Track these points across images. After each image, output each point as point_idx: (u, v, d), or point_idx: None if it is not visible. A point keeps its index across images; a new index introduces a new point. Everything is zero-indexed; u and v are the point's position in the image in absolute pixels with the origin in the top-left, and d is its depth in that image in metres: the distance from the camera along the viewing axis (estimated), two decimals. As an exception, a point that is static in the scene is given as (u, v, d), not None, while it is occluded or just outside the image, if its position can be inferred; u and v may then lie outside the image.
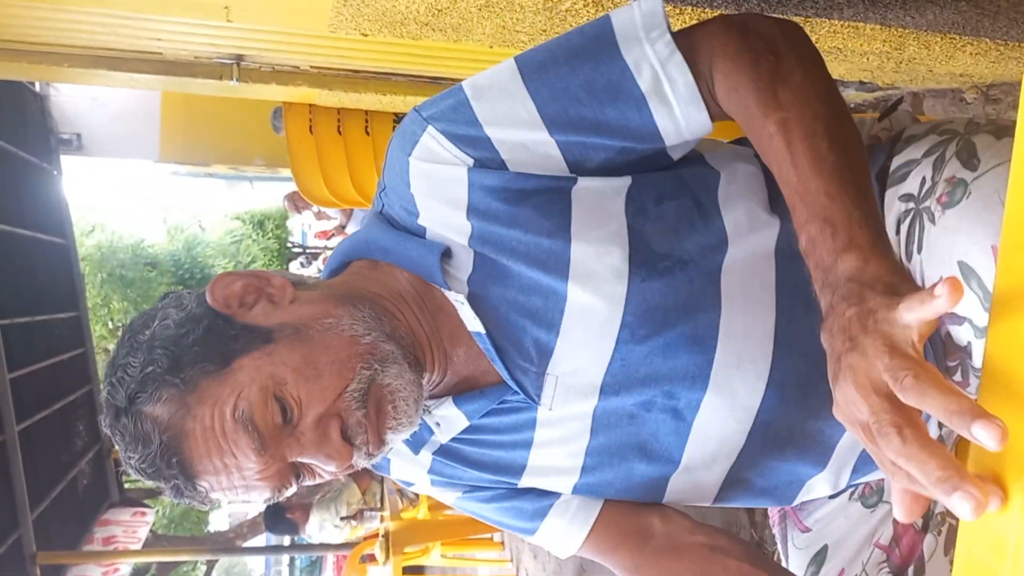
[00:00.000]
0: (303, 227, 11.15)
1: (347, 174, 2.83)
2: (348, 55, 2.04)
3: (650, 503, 0.86)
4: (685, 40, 0.72)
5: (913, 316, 0.49)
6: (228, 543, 7.76)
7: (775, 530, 1.00)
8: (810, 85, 0.67)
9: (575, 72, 0.72)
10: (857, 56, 1.65)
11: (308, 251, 11.24)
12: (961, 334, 0.71)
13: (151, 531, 6.71)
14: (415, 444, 0.87)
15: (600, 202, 0.75)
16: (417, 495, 4.06)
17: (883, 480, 0.89)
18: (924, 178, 0.72)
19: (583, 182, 0.75)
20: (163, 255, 10.71)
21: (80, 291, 6.06)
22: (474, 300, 0.77)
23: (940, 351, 0.76)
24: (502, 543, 4.68)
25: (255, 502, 0.77)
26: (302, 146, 2.77)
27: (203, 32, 1.86)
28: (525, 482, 0.87)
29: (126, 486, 6.47)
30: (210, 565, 9.65)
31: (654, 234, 0.75)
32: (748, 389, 0.77)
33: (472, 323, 0.77)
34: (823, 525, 0.93)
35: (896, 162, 0.77)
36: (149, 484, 0.75)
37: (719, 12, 1.39)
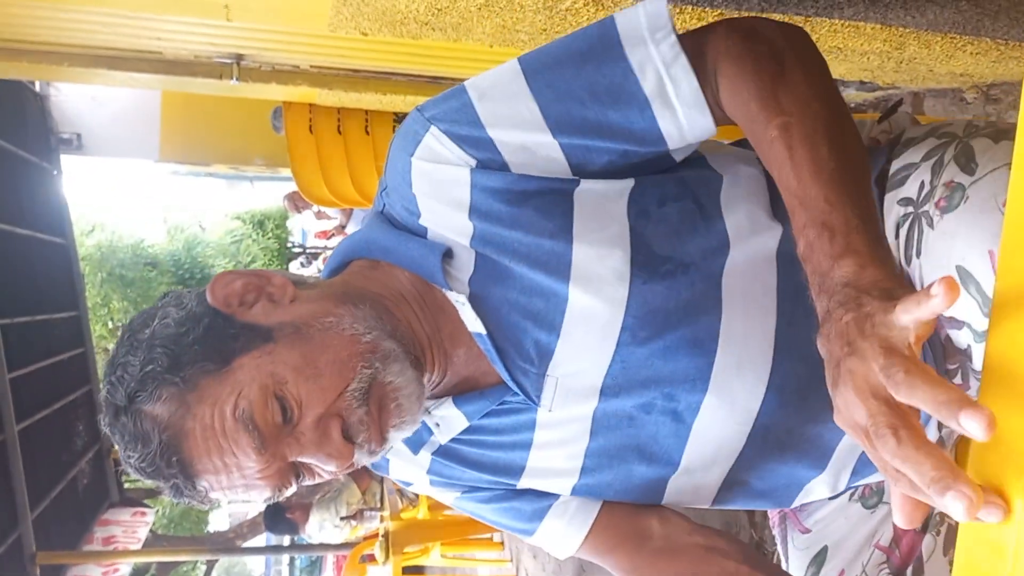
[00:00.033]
0: (303, 227, 11.15)
1: (347, 174, 2.83)
2: (348, 54, 2.04)
3: (649, 505, 0.86)
4: (690, 42, 0.71)
5: (910, 317, 0.49)
6: (228, 543, 7.76)
7: (775, 531, 1.00)
8: (812, 90, 0.67)
9: (579, 74, 0.72)
10: (857, 56, 1.65)
11: (308, 251, 11.23)
12: (960, 338, 0.70)
13: (151, 531, 6.71)
14: (414, 444, 0.87)
15: (602, 204, 0.75)
16: (417, 495, 4.06)
17: (883, 482, 0.89)
18: (923, 182, 0.72)
19: (585, 184, 0.75)
20: (163, 255, 10.71)
21: (80, 291, 6.05)
22: (475, 301, 0.77)
23: (940, 354, 0.76)
24: (502, 543, 4.67)
25: (255, 502, 0.76)
26: (302, 146, 2.78)
27: (203, 31, 1.86)
28: (524, 483, 0.86)
29: (126, 486, 6.47)
30: (210, 565, 9.65)
31: (656, 237, 0.75)
32: (748, 392, 0.77)
33: (473, 324, 0.77)
34: (823, 526, 0.93)
35: (895, 165, 0.77)
36: (149, 484, 0.75)
37: (719, 12, 1.39)
